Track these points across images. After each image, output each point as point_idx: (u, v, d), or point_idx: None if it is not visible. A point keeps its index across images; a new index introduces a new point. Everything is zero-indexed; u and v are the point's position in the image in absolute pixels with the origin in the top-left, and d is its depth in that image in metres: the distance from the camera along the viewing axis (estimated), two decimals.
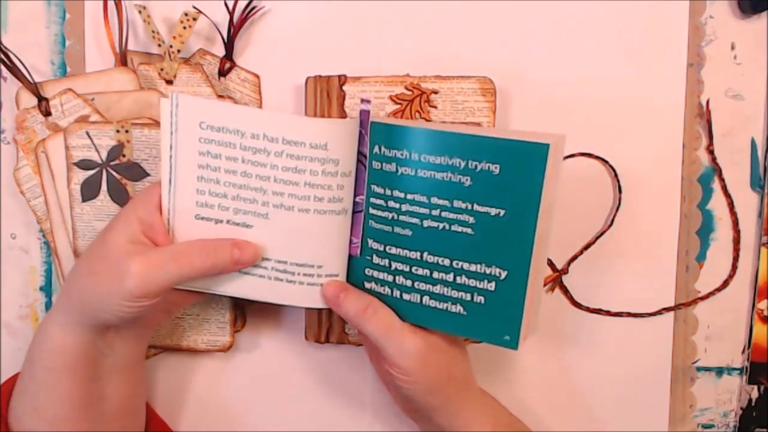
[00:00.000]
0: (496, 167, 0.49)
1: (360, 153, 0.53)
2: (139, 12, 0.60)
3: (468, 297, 0.52)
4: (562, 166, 0.51)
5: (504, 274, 0.50)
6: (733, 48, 0.62)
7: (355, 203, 0.54)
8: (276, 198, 0.52)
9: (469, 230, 0.51)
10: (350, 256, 0.55)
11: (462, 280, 0.52)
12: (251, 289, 0.55)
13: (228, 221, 0.53)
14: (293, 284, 0.54)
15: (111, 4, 0.62)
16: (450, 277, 0.52)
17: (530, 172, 0.48)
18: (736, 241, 0.64)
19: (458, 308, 0.52)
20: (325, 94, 0.61)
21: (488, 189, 0.50)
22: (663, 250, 0.64)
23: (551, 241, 0.53)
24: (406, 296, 0.54)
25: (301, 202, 0.52)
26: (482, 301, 0.52)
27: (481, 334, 0.53)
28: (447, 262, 0.52)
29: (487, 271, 0.51)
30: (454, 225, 0.51)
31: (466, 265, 0.51)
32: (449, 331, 0.54)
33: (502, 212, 0.50)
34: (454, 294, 0.52)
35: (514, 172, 0.49)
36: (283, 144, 0.50)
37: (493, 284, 0.51)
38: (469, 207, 0.50)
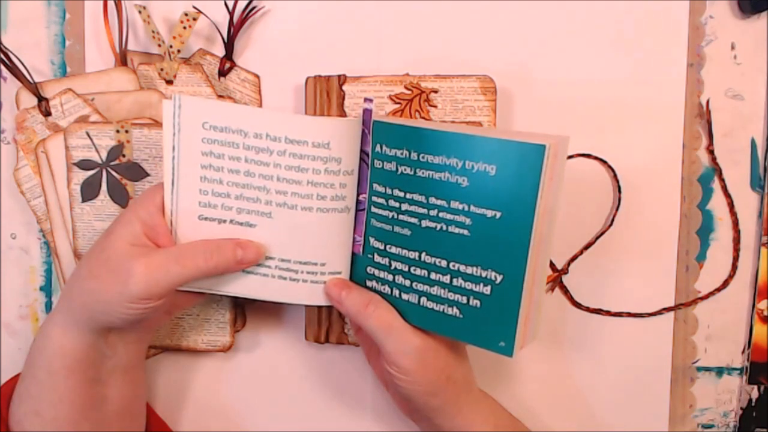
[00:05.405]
0: (492, 168, 0.48)
1: (363, 151, 0.53)
2: (139, 12, 0.60)
3: (464, 300, 0.51)
4: (566, 168, 0.50)
5: (499, 278, 0.49)
6: (733, 48, 0.62)
7: (358, 201, 0.54)
8: (279, 197, 0.52)
9: (465, 232, 0.50)
10: (353, 254, 0.55)
11: (458, 282, 0.51)
12: (255, 288, 0.55)
13: (231, 221, 0.53)
14: (297, 282, 0.54)
15: (111, 4, 0.62)
16: (447, 279, 0.52)
17: (526, 174, 0.47)
18: (736, 241, 0.64)
19: (454, 311, 0.52)
20: (325, 94, 0.61)
21: (484, 190, 0.49)
22: (663, 250, 0.64)
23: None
24: (404, 296, 0.53)
25: (304, 200, 0.52)
26: (478, 305, 0.51)
27: (476, 339, 0.52)
28: (444, 263, 0.51)
29: (483, 275, 0.50)
30: (451, 226, 0.50)
31: (462, 267, 0.51)
32: (445, 334, 0.53)
33: (498, 214, 0.49)
34: (451, 296, 0.52)
35: (510, 173, 0.48)
36: (285, 143, 0.51)
37: (488, 288, 0.50)
38: (466, 208, 0.50)
